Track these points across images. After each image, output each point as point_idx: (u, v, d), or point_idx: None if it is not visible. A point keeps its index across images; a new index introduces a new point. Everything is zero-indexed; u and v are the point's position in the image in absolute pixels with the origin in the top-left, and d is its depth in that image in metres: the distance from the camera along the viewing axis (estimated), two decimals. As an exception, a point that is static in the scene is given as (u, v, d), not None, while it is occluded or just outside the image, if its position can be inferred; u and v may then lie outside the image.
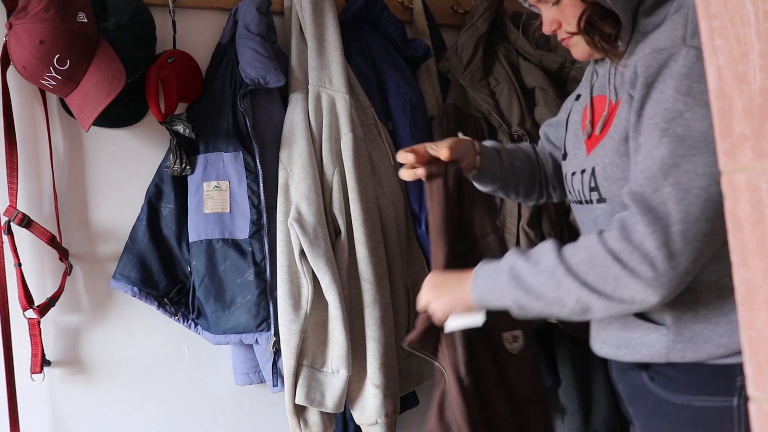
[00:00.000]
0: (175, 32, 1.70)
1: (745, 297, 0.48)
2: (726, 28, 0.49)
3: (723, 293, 1.00)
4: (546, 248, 1.01)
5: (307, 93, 1.70)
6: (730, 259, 0.96)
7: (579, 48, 1.11)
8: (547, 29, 1.12)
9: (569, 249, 0.99)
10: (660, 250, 0.90)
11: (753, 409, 0.48)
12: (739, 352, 0.97)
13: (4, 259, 1.51)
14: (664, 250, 0.90)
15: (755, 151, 0.47)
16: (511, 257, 1.05)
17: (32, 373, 1.52)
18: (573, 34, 1.09)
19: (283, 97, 1.73)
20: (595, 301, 0.95)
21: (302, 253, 1.58)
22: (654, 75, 0.97)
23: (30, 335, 1.53)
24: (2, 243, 1.51)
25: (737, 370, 0.99)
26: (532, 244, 1.76)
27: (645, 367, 1.09)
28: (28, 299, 1.51)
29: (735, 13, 0.48)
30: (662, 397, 1.06)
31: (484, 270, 1.09)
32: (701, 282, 1.00)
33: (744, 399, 0.97)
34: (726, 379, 1.00)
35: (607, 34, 1.05)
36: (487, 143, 1.35)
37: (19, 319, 1.51)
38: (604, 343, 1.14)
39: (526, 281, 1.01)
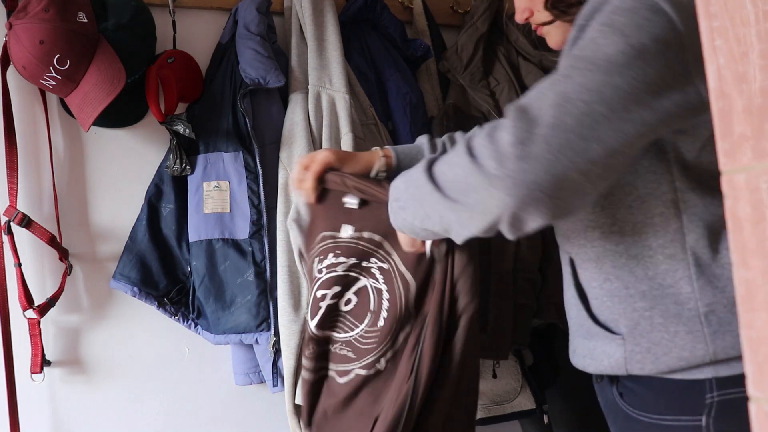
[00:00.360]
0: (175, 32, 1.70)
1: (745, 297, 0.48)
2: (726, 28, 0.49)
3: (680, 298, 0.94)
4: (421, 164, 0.94)
5: (307, 93, 1.70)
6: (686, 261, 0.94)
7: (552, 35, 1.09)
8: (519, 17, 1.10)
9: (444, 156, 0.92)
10: (514, 147, 0.79)
11: (753, 409, 0.48)
12: (705, 365, 0.93)
13: (4, 259, 1.51)
14: (519, 149, 0.79)
15: (755, 151, 0.47)
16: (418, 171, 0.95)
17: (32, 373, 1.52)
18: (545, 23, 1.06)
19: (283, 97, 1.73)
20: (443, 207, 0.88)
21: (302, 253, 1.58)
22: (586, 18, 0.89)
23: (30, 335, 1.53)
24: (2, 243, 1.51)
25: (707, 386, 0.93)
26: (527, 242, 1.76)
27: (614, 380, 1.04)
28: (28, 299, 1.51)
29: (735, 13, 0.48)
30: (630, 415, 1.02)
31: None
32: (656, 285, 0.95)
33: (713, 418, 0.92)
34: (694, 397, 0.94)
35: (576, 2, 1.00)
36: (420, 144, 1.25)
37: (19, 319, 1.51)
38: (574, 352, 1.09)
39: (403, 196, 0.96)
